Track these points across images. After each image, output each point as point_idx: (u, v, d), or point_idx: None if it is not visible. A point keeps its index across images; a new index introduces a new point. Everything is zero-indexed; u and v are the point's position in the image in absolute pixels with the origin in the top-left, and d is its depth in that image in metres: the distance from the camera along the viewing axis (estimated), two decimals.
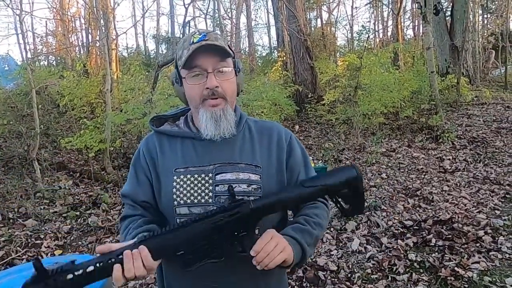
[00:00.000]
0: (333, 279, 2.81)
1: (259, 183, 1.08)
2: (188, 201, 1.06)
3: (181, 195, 1.07)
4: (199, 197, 1.06)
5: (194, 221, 0.95)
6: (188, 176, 1.08)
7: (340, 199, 1.02)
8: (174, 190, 1.07)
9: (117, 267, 0.88)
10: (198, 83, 1.05)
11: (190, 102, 1.11)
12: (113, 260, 0.89)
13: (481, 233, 3.25)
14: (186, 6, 8.42)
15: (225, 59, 1.07)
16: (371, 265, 2.95)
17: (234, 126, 1.11)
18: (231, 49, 1.08)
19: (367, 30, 13.06)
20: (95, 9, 8.71)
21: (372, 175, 5.04)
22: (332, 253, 3.18)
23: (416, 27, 19.60)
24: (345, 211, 1.05)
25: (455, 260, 2.90)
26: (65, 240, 3.73)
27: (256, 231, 1.01)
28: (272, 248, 0.94)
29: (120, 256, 0.89)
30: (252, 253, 0.94)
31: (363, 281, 2.77)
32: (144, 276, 0.91)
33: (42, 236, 3.72)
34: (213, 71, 1.05)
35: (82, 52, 13.98)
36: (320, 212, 1.13)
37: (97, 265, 0.88)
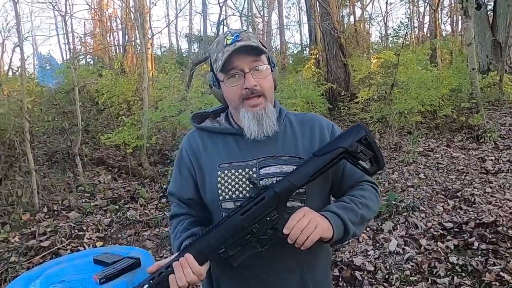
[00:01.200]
0: (370, 280, 2.77)
1: None
2: (234, 195, 1.08)
3: (226, 190, 1.09)
4: (244, 192, 1.08)
5: (227, 217, 0.98)
6: (232, 171, 1.10)
7: (360, 159, 1.03)
8: (219, 185, 1.10)
9: (172, 277, 0.94)
10: (236, 85, 1.06)
11: (230, 103, 1.13)
12: (163, 273, 0.95)
13: None
14: (221, 5, 8.51)
15: (260, 57, 1.08)
16: (410, 267, 2.88)
17: (276, 122, 1.12)
18: (264, 46, 1.09)
19: (405, 26, 12.68)
20: (132, 9, 8.96)
21: (409, 175, 4.91)
22: (368, 253, 3.13)
23: (455, 23, 18.87)
24: (367, 170, 1.06)
25: (500, 264, 2.78)
26: (106, 233, 3.88)
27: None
28: (305, 224, 0.94)
29: (169, 268, 0.95)
30: (285, 230, 0.95)
31: (402, 283, 2.71)
32: (196, 282, 0.95)
33: (84, 228, 3.89)
34: (250, 70, 1.06)
35: (118, 51, 14.43)
36: (367, 194, 1.11)
37: (151, 281, 0.95)
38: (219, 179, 1.10)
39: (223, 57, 1.03)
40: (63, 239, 3.61)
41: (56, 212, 4.23)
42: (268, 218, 0.97)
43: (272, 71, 1.12)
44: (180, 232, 1.14)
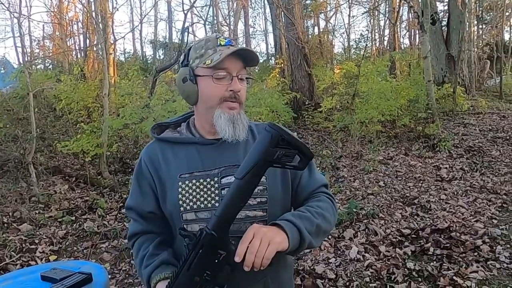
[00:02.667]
0: (331, 287, 2.80)
1: (265, 184, 1.09)
2: (195, 206, 1.06)
3: (187, 201, 1.07)
4: (205, 202, 1.06)
5: (175, 278, 0.92)
6: (194, 181, 1.08)
7: (286, 162, 0.93)
8: (180, 196, 1.07)
9: None
10: (222, 84, 1.07)
11: (206, 101, 1.10)
12: None
13: (479, 242, 3.25)
14: (185, 12, 8.44)
15: (246, 67, 1.12)
16: (370, 274, 2.93)
17: (247, 129, 1.13)
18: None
19: (366, 38, 13.14)
20: (93, 13, 8.70)
21: (369, 183, 5.04)
22: (330, 261, 3.16)
23: (412, 36, 19.80)
24: (298, 167, 0.96)
25: (453, 269, 2.89)
26: (60, 245, 3.69)
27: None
28: (257, 246, 0.90)
29: None
30: (236, 258, 0.90)
31: None
32: None
33: (37, 241, 3.68)
34: (237, 75, 1.08)
35: (79, 56, 13.96)
36: (324, 205, 1.11)
37: None
38: (180, 189, 1.08)
39: (223, 55, 1.04)
40: (12, 253, 3.40)
41: (6, 225, 3.98)
42: (216, 260, 0.92)
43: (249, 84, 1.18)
44: (147, 259, 1.10)
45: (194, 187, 1.07)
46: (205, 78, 1.08)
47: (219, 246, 0.92)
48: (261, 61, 18.36)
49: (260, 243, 0.90)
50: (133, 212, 1.17)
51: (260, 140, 0.93)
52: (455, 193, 4.58)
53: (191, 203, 1.06)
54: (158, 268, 1.06)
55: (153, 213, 1.14)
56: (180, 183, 1.08)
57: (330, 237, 3.58)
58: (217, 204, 1.05)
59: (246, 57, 1.09)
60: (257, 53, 1.12)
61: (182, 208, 1.07)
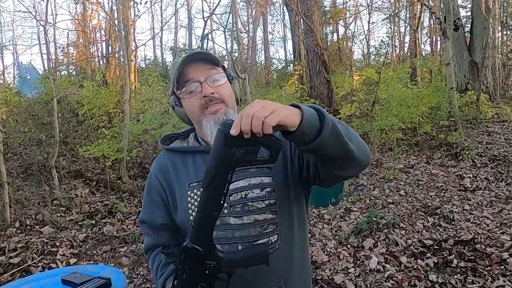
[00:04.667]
0: None
1: (272, 185, 1.06)
2: None
3: (196, 209, 1.06)
4: None
5: None
6: (202, 189, 1.07)
7: (250, 160, 0.83)
8: (189, 205, 1.08)
9: None
10: (194, 95, 1.07)
11: (192, 117, 1.12)
12: None
13: (505, 255, 3.12)
14: (205, 19, 8.54)
15: (215, 67, 1.09)
16: (390, 285, 2.86)
17: None
18: (223, 66, 1.12)
19: (387, 44, 12.99)
20: (116, 21, 8.89)
21: (390, 192, 4.94)
22: (349, 271, 3.10)
23: (434, 43, 19.46)
24: (268, 161, 0.85)
25: (478, 282, 2.79)
26: (80, 249, 3.74)
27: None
28: (255, 109, 0.76)
29: None
30: (233, 131, 0.77)
31: None
32: None
33: (58, 244, 3.74)
34: (206, 79, 1.06)
35: (102, 62, 14.27)
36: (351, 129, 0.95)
37: None
38: (189, 199, 1.08)
39: (178, 70, 1.06)
40: (34, 255, 3.47)
41: (28, 227, 4.07)
42: (207, 272, 0.91)
43: (230, 83, 1.13)
44: (161, 269, 1.12)
45: None
46: (182, 97, 1.10)
47: (206, 257, 0.91)
48: (279, 67, 18.42)
49: (263, 107, 0.77)
50: (146, 226, 1.19)
51: (215, 142, 0.83)
52: (480, 204, 4.43)
53: None
54: (171, 276, 1.06)
55: (165, 225, 1.15)
56: (189, 192, 1.08)
57: (349, 246, 3.52)
58: (225, 211, 1.04)
59: (207, 58, 1.08)
60: (209, 52, 1.11)
61: (191, 217, 1.06)
